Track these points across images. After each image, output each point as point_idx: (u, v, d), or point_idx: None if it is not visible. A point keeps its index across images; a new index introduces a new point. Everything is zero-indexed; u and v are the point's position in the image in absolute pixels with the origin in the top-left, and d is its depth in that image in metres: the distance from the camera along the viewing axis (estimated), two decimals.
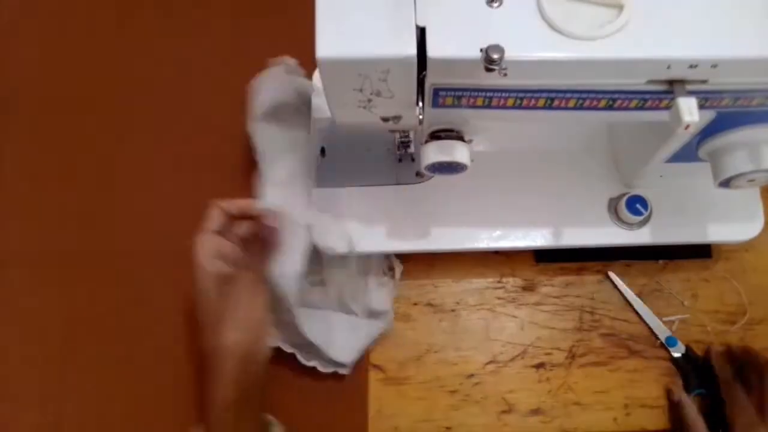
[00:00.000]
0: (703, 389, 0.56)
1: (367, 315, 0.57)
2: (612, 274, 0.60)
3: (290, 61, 0.61)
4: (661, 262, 0.61)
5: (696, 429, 0.53)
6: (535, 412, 0.57)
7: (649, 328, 0.59)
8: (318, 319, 0.56)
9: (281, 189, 0.55)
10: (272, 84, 0.59)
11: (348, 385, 0.58)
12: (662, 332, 0.58)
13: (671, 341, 0.58)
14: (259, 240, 0.52)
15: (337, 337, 0.56)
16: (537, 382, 0.58)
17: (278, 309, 0.54)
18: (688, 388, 0.57)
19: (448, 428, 0.57)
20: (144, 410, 0.58)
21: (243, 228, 0.53)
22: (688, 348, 0.58)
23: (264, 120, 0.58)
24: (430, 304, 0.60)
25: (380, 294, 0.57)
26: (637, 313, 0.60)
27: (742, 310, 0.60)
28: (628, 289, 0.60)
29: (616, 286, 0.60)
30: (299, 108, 0.60)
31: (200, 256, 0.49)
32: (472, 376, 0.58)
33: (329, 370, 0.57)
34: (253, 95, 0.59)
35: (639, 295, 0.60)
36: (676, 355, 0.58)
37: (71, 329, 0.60)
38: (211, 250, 0.50)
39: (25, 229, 0.64)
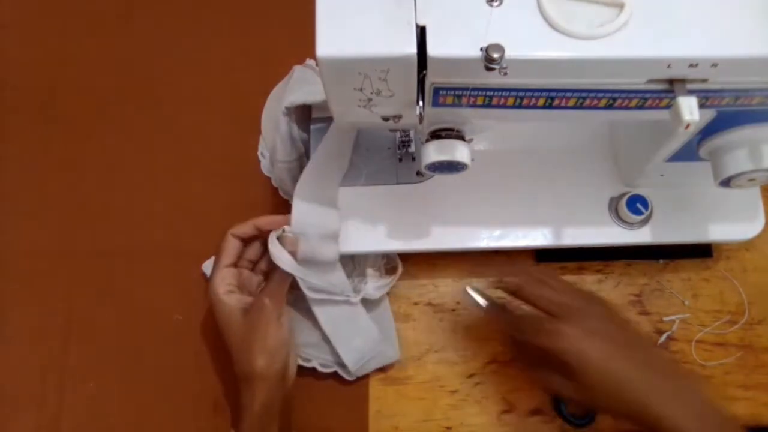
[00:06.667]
0: None
1: (360, 298, 0.57)
2: (469, 289, 0.54)
3: (311, 62, 0.61)
4: (661, 261, 0.61)
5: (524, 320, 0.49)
6: (536, 412, 0.57)
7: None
8: (338, 318, 0.56)
9: (308, 187, 0.55)
10: (299, 84, 0.59)
11: (348, 385, 0.58)
12: None
13: None
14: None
15: (357, 344, 0.56)
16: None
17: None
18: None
19: (448, 428, 0.57)
20: (144, 410, 0.58)
21: (254, 251, 0.55)
22: None
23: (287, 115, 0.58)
24: (430, 304, 0.60)
25: (376, 284, 0.57)
26: None
27: (743, 310, 0.60)
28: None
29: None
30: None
31: (219, 294, 0.51)
32: (472, 375, 0.58)
33: (329, 370, 0.57)
34: (284, 93, 0.59)
35: (639, 294, 0.60)
36: None
37: (71, 329, 0.60)
38: (228, 284, 0.52)
39: (26, 228, 0.64)
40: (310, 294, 0.54)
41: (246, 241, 0.55)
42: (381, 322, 0.58)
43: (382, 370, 0.58)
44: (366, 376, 0.58)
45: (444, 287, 0.61)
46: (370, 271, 0.57)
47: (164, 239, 0.62)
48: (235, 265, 0.54)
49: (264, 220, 0.54)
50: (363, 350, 0.56)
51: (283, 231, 0.53)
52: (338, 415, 0.57)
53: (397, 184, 0.58)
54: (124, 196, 0.64)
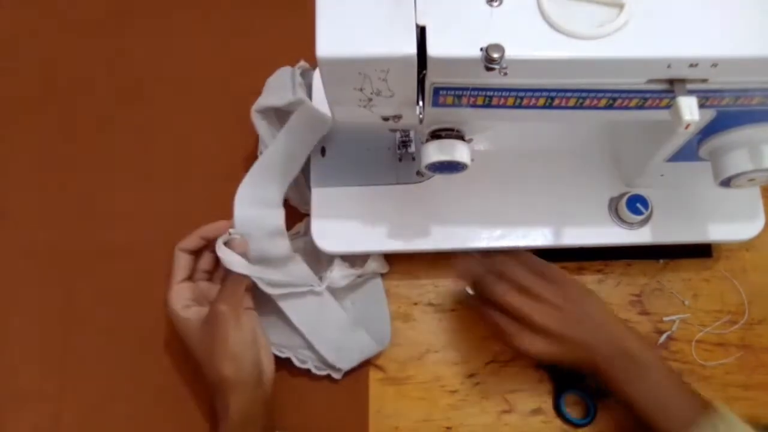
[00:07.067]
0: (577, 389, 0.56)
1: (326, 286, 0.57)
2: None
3: (303, 64, 0.62)
4: (661, 261, 0.61)
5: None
6: (536, 412, 0.57)
7: None
8: (305, 310, 0.56)
9: (251, 187, 0.55)
10: (274, 87, 0.59)
11: (348, 385, 0.57)
12: None
13: None
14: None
15: (330, 335, 0.56)
16: (538, 381, 0.58)
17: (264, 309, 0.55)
18: (561, 390, 0.57)
19: (448, 428, 0.57)
20: (144, 410, 0.58)
21: (207, 261, 0.56)
22: None
23: (264, 119, 0.58)
24: (430, 304, 0.60)
25: (342, 273, 0.57)
26: None
27: (743, 310, 0.60)
28: None
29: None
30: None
31: (175, 310, 0.52)
32: (472, 375, 0.58)
33: (323, 372, 0.57)
34: (263, 92, 0.59)
35: (639, 294, 0.60)
36: None
37: (71, 328, 0.60)
38: (184, 299, 0.52)
39: (26, 228, 0.64)
40: (269, 290, 0.54)
41: (196, 254, 0.55)
42: (371, 312, 0.58)
43: (382, 370, 0.58)
44: (366, 376, 0.58)
45: (444, 287, 0.61)
46: (337, 260, 0.57)
47: (164, 239, 0.62)
48: (190, 278, 0.54)
49: (208, 228, 0.54)
50: (338, 340, 0.56)
51: (229, 234, 0.53)
52: (338, 415, 0.57)
53: (397, 184, 0.58)
54: (124, 195, 0.64)
